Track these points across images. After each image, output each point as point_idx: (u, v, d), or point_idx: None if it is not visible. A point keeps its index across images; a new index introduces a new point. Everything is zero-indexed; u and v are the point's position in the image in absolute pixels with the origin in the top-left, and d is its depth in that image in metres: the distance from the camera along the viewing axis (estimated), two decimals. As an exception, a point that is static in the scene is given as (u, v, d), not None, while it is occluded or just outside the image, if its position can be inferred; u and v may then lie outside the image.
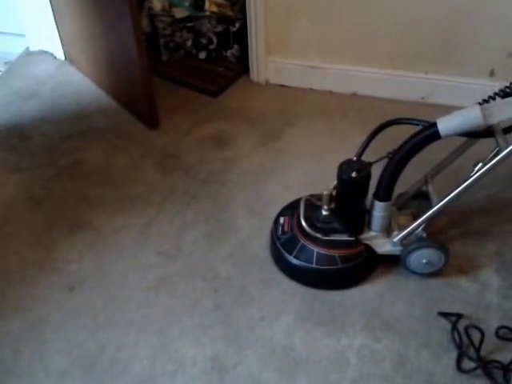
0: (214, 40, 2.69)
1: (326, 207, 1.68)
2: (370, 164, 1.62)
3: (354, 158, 1.63)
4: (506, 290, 1.70)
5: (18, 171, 2.18)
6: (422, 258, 1.67)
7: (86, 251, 1.86)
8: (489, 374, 1.48)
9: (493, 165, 1.52)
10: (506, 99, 1.50)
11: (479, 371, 1.49)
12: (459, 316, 1.61)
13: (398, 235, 1.68)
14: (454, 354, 1.54)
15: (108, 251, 1.86)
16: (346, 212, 1.70)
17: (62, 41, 2.77)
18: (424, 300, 1.68)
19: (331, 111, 2.46)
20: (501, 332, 1.59)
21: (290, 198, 2.00)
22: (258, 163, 2.20)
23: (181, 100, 2.55)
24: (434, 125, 1.49)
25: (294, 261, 1.70)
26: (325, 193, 1.66)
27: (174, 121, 2.42)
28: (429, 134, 1.50)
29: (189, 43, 2.72)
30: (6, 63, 2.88)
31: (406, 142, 1.54)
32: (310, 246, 1.69)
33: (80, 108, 2.52)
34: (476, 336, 1.56)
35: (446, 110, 2.29)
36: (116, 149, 2.28)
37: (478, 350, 1.53)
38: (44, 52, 2.87)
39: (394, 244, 1.70)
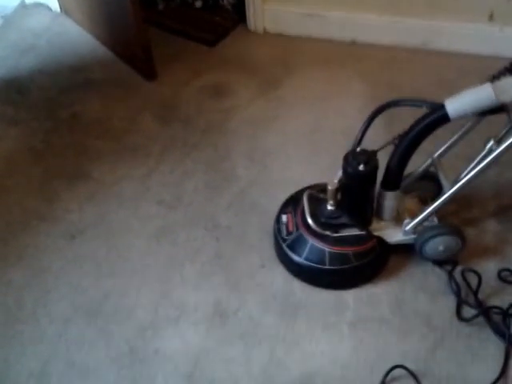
0: (211, -12, 2.66)
1: (331, 202, 1.55)
2: (375, 152, 1.49)
3: (358, 149, 1.49)
4: (504, 234, 1.72)
5: (16, 124, 2.18)
6: (438, 245, 1.57)
7: (86, 201, 1.87)
8: (490, 320, 1.49)
9: (509, 144, 1.40)
10: None
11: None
12: (455, 264, 1.62)
13: (410, 223, 1.58)
14: (451, 296, 1.56)
15: (108, 201, 1.87)
16: (354, 205, 1.57)
17: (56, -8, 2.73)
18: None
19: (330, 59, 2.44)
20: (503, 274, 1.61)
21: (290, 147, 2.01)
22: (257, 112, 2.20)
23: (178, 50, 2.52)
24: (442, 107, 1.37)
25: (305, 263, 1.58)
26: (330, 188, 1.52)
27: (171, 71, 2.40)
28: (437, 117, 1.39)
29: (185, -8, 2.68)
30: (2, 17, 2.84)
31: (412, 128, 1.44)
32: (321, 246, 1.57)
33: (77, 60, 2.50)
34: (474, 281, 1.58)
35: (446, 55, 2.32)
36: (114, 100, 2.27)
37: (475, 293, 1.55)
38: (39, 4, 2.83)
39: (405, 233, 1.60)
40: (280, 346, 1.49)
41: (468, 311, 1.53)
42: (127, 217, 1.83)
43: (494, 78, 1.39)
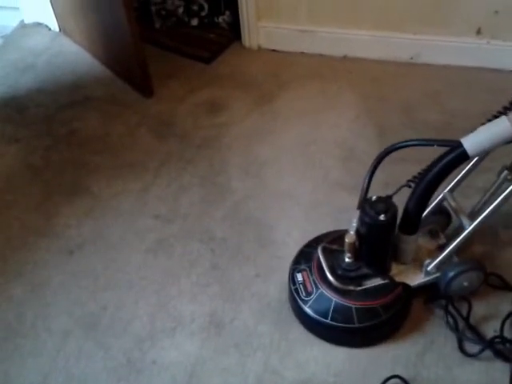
0: (206, 6, 2.70)
1: (349, 255, 1.46)
2: (390, 197, 1.43)
3: (374, 197, 1.41)
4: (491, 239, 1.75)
5: (16, 142, 2.22)
6: (463, 281, 1.52)
7: (84, 216, 1.91)
8: (496, 353, 1.47)
9: None
10: None
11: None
12: (448, 299, 1.56)
13: (431, 263, 1.53)
14: (441, 302, 1.58)
15: (106, 216, 1.91)
16: (375, 255, 1.49)
17: (55, 13, 2.78)
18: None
19: (323, 74, 2.48)
20: (489, 279, 1.62)
21: (284, 160, 2.05)
22: (252, 127, 2.23)
23: (174, 67, 2.57)
24: (460, 145, 1.31)
25: (332, 324, 1.47)
26: (348, 241, 1.42)
27: (168, 88, 2.44)
28: (456, 156, 1.32)
29: (180, 10, 2.73)
30: (2, 36, 2.90)
31: (430, 168, 1.37)
32: (346, 303, 1.47)
33: (76, 78, 2.54)
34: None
35: (435, 68, 2.37)
36: (112, 117, 2.31)
37: (466, 319, 1.53)
38: (38, 24, 2.88)
39: (427, 273, 1.54)
40: (275, 355, 1.51)
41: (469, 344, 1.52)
42: (124, 231, 1.86)
43: (506, 110, 1.35)
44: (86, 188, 2.01)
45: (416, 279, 1.54)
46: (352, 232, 1.43)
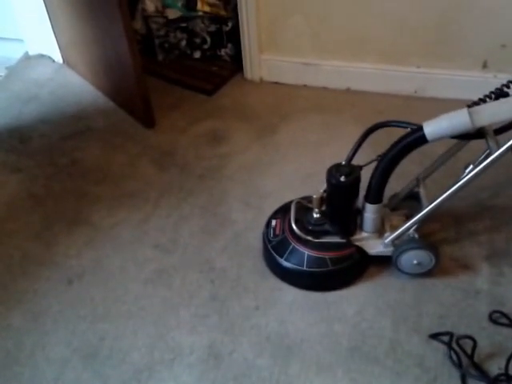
0: (208, 39, 2.74)
1: (316, 210, 1.69)
2: (360, 167, 1.61)
3: (343, 162, 1.62)
4: (496, 277, 1.74)
5: (18, 171, 2.23)
6: (412, 258, 1.66)
7: (84, 246, 1.91)
8: None
9: (483, 168, 1.48)
10: (495, 101, 1.48)
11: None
12: (451, 335, 1.56)
13: (389, 236, 1.68)
14: (443, 338, 1.57)
15: (106, 246, 1.91)
16: (336, 215, 1.70)
17: (59, 45, 2.82)
18: (416, 285, 1.72)
19: (325, 107, 2.50)
20: (494, 316, 1.61)
21: (284, 192, 2.04)
22: (253, 158, 2.24)
23: (177, 99, 2.59)
24: (421, 128, 1.47)
25: (285, 263, 1.70)
26: (315, 196, 1.66)
27: (170, 119, 2.46)
28: (415, 138, 1.48)
29: (183, 43, 2.77)
30: (7, 68, 2.93)
31: (392, 146, 1.53)
32: (301, 249, 1.69)
33: (78, 109, 2.56)
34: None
35: (439, 102, 2.38)
36: (113, 148, 2.33)
37: (471, 357, 1.51)
38: (42, 56, 2.92)
39: (385, 245, 1.70)
40: (274, 389, 1.50)
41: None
42: (124, 261, 1.85)
43: (473, 104, 1.49)
44: (87, 218, 2.01)
45: (374, 248, 1.72)
46: (321, 190, 1.66)
